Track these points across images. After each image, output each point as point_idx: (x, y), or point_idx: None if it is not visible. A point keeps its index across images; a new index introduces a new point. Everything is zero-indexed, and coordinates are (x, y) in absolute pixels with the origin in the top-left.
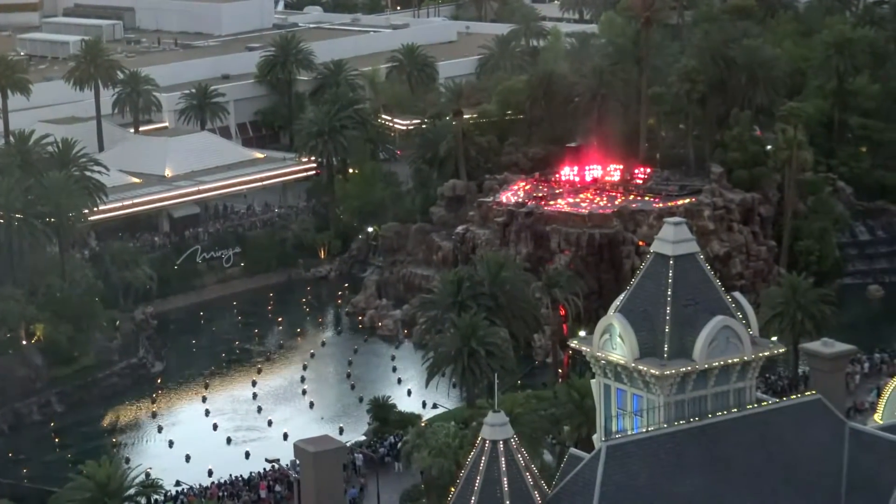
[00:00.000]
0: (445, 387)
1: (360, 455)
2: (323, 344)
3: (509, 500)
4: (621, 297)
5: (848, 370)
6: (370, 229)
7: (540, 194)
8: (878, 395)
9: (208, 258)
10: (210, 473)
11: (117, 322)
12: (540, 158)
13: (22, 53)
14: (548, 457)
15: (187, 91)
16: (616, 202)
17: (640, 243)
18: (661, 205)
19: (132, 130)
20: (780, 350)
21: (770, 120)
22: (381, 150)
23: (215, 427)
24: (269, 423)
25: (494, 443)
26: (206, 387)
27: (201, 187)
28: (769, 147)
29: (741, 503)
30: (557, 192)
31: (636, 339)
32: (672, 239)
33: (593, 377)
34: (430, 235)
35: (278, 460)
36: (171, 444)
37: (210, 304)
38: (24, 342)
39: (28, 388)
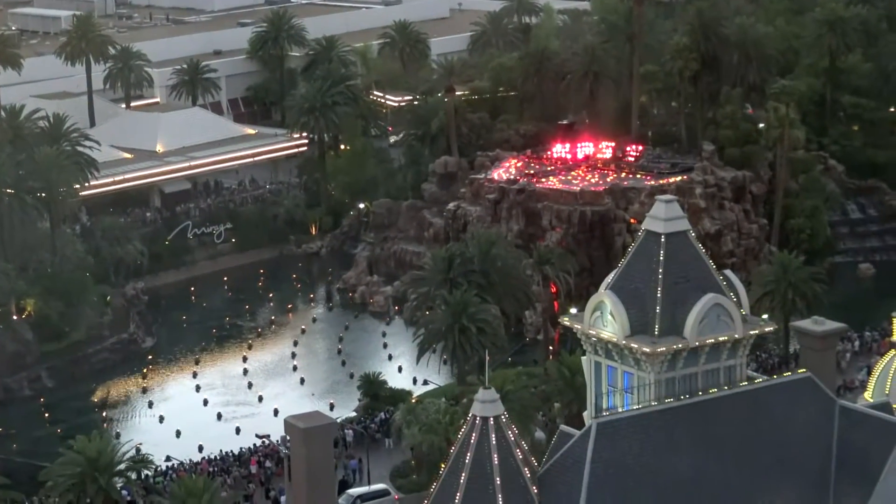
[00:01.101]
0: (436, 363)
1: (351, 431)
2: (314, 320)
3: (499, 477)
4: (612, 274)
5: (838, 348)
6: (361, 206)
7: (531, 171)
8: (869, 374)
9: (199, 234)
10: (200, 449)
11: (108, 297)
12: (532, 135)
13: (13, 28)
14: (538, 434)
15: (179, 67)
16: (608, 180)
17: (632, 221)
18: (652, 182)
19: (123, 106)
20: (771, 328)
21: (762, 98)
22: (373, 126)
23: (206, 403)
24: (260, 398)
25: (485, 419)
26: (197, 362)
27: (192, 163)
28: (761, 125)
29: (731, 480)
30: (549, 169)
31: (627, 316)
32: (663, 216)
33: (584, 354)
34: (421, 212)
35: (269, 436)
36: (161, 419)
37: (201, 280)
38: (15, 317)
39: (18, 363)
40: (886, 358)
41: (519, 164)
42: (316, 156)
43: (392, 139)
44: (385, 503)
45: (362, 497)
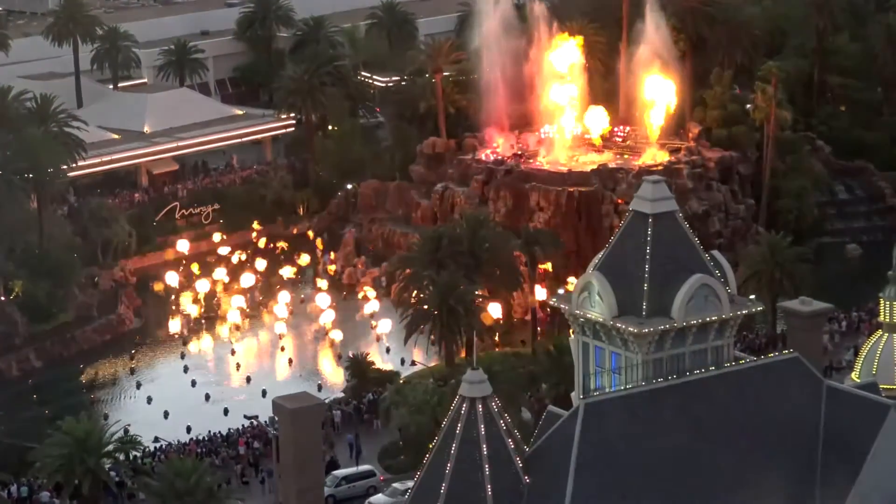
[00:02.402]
0: (424, 344)
1: (339, 412)
2: (301, 301)
3: (487, 458)
4: (600, 255)
5: (825, 329)
6: (349, 186)
7: (519, 152)
8: (856, 354)
9: (187, 215)
10: (188, 430)
11: (96, 278)
12: (520, 116)
13: (0, 9)
14: (526, 414)
15: (166, 47)
16: (595, 160)
17: (619, 201)
18: (640, 163)
19: (111, 86)
20: (758, 308)
21: (749, 79)
22: (361, 107)
23: (194, 384)
24: (248, 379)
25: (473, 400)
26: (185, 343)
27: (180, 143)
28: (748, 106)
29: (718, 460)
30: (537, 149)
31: (615, 297)
32: (651, 197)
33: (571, 335)
34: (409, 193)
35: (257, 417)
36: (149, 400)
37: (189, 261)
38: (3, 298)
39: (6, 344)
40: (873, 338)
41: (507, 145)
42: (303, 137)
43: (379, 118)
44: (370, 484)
45: (348, 478)
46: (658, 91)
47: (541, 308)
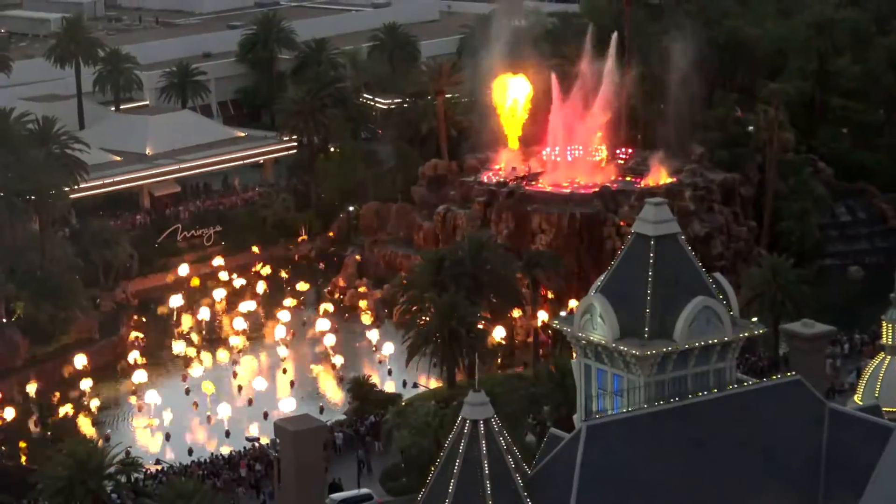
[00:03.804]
0: (426, 366)
1: (341, 434)
2: (303, 323)
3: (489, 480)
4: (602, 277)
5: (828, 351)
6: (351, 208)
7: (521, 174)
8: (858, 377)
9: (189, 237)
10: (190, 452)
11: (97, 300)
12: (521, 138)
13: (2, 31)
14: (528, 437)
15: (168, 69)
16: (598, 182)
17: (622, 224)
18: (642, 185)
19: (113, 108)
20: (761, 331)
21: (751, 100)
22: (363, 129)
23: (196, 406)
24: (250, 402)
25: (475, 422)
26: (187, 366)
27: (182, 165)
28: (750, 128)
29: (721, 483)
30: (539, 172)
31: (617, 319)
32: (653, 219)
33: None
34: (411, 215)
35: (258, 439)
36: (151, 422)
37: (190, 283)
38: (4, 320)
39: (8, 366)
40: (876, 361)
41: (509, 168)
42: (305, 159)
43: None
44: None
45: (346, 501)
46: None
47: (543, 330)
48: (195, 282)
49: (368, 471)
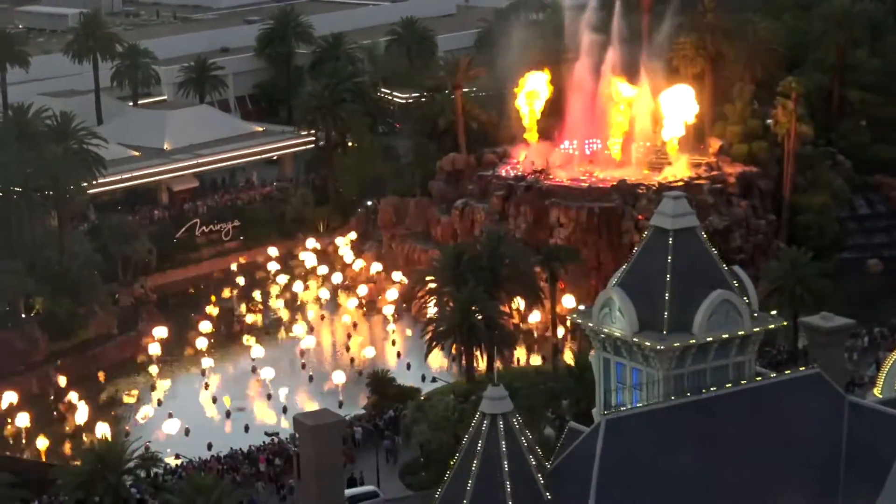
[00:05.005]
0: (445, 360)
1: (360, 428)
2: (322, 318)
3: (508, 474)
4: (621, 270)
5: (847, 344)
6: (369, 203)
7: (539, 168)
8: (878, 370)
9: (207, 231)
10: (209, 447)
11: (116, 296)
12: (539, 131)
13: (20, 26)
14: (547, 430)
15: (186, 64)
16: (615, 175)
17: (640, 217)
18: (660, 178)
19: (131, 104)
20: (780, 324)
21: (769, 94)
22: (381, 123)
23: (214, 400)
24: (269, 396)
25: (494, 416)
26: (205, 360)
27: (200, 160)
28: (769, 121)
29: (740, 477)
30: (557, 165)
31: (635, 312)
32: (671, 213)
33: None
34: (429, 209)
35: (277, 434)
36: (170, 417)
37: (209, 278)
38: (23, 316)
39: (27, 361)
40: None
41: (527, 161)
42: (323, 153)
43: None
44: None
45: (351, 498)
46: (677, 106)
47: (562, 324)
48: (214, 276)
49: (395, 461)
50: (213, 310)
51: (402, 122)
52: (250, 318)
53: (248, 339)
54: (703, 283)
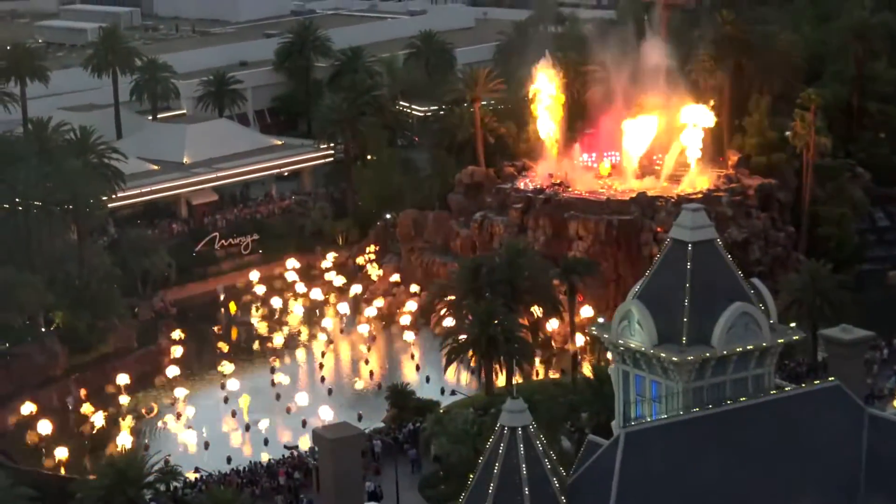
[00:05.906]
0: (464, 373)
1: (379, 442)
2: (341, 331)
3: (528, 487)
4: (640, 283)
5: (867, 356)
6: (388, 216)
7: (558, 181)
8: None
9: (226, 245)
10: (229, 460)
11: (136, 309)
12: (558, 144)
13: (40, 41)
14: (566, 443)
15: (205, 78)
16: (634, 188)
17: (659, 230)
18: (679, 191)
19: (150, 118)
20: (799, 336)
21: (788, 106)
22: (400, 136)
23: (234, 414)
24: (288, 409)
25: (513, 429)
26: (225, 374)
27: (219, 174)
28: (787, 133)
29: (760, 490)
30: (575, 178)
31: (654, 325)
32: (690, 225)
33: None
34: (448, 222)
35: (297, 447)
36: (189, 430)
37: (228, 292)
38: (43, 330)
39: (47, 375)
40: None
41: (545, 174)
42: (342, 167)
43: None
44: None
45: None
46: (696, 118)
47: (581, 336)
48: (233, 290)
49: (419, 470)
50: (232, 322)
51: (421, 136)
52: (269, 332)
53: (267, 353)
54: (722, 296)
